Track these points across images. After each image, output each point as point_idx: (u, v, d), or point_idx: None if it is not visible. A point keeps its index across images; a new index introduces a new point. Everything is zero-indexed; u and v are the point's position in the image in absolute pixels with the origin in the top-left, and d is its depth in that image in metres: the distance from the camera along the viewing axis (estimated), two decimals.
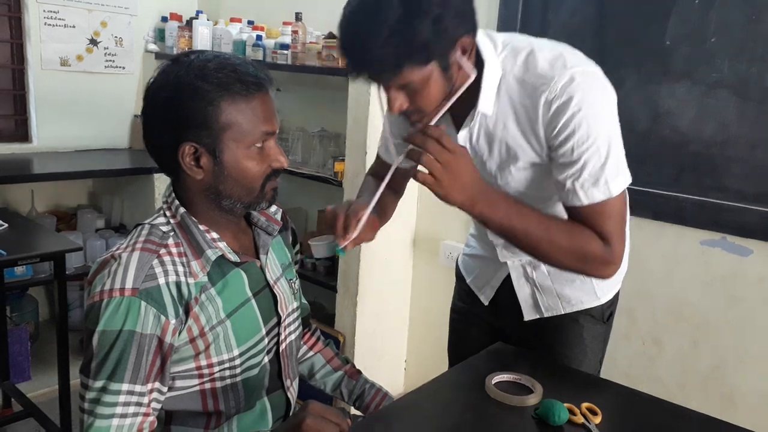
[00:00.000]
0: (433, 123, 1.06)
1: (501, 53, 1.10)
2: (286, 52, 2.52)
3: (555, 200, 1.16)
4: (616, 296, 1.35)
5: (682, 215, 1.86)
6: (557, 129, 1.05)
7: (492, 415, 1.07)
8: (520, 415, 1.06)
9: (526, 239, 1.10)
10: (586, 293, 1.29)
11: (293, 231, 1.27)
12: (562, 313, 1.30)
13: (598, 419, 1.05)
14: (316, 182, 2.48)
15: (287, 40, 2.54)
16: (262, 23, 2.77)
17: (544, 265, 1.27)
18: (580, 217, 1.10)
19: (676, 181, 1.86)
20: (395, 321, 2.59)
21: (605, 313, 1.33)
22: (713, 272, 1.83)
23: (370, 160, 2.24)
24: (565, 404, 1.05)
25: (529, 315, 1.32)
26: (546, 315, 1.30)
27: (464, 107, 1.11)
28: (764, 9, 1.68)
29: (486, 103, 1.10)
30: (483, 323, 1.43)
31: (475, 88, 1.08)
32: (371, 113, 2.20)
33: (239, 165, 0.99)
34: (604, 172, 1.06)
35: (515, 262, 1.30)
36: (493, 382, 1.13)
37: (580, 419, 1.04)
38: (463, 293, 1.47)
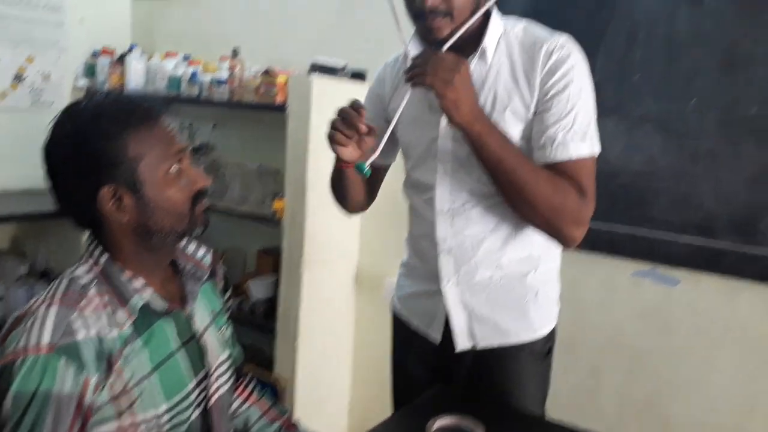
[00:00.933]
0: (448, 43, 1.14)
1: (503, 18, 1.22)
2: (223, 87, 2.48)
3: None
4: (554, 331, 1.35)
5: (615, 246, 1.91)
6: (556, 75, 1.14)
7: None
8: None
9: (514, 176, 1.12)
10: (523, 327, 1.28)
11: (225, 276, 1.23)
12: (497, 344, 1.28)
13: None
14: (255, 221, 2.43)
15: (224, 75, 2.50)
16: (198, 58, 2.73)
17: (484, 292, 1.26)
18: (563, 172, 1.14)
19: (608, 212, 1.91)
20: (338, 363, 2.53)
21: (544, 349, 1.33)
22: (646, 302, 1.88)
23: (311, 197, 2.22)
24: None
25: (462, 343, 1.29)
26: (480, 345, 1.28)
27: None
28: (681, 48, 1.77)
29: (490, 41, 1.18)
30: (425, 366, 1.39)
31: (475, 40, 1.18)
32: (311, 150, 2.19)
33: (162, 194, 0.97)
34: (590, 128, 1.16)
35: (452, 288, 1.28)
36: (435, 427, 1.11)
37: None
38: (404, 338, 1.43)
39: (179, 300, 1.07)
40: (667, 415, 1.86)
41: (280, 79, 2.25)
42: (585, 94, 1.16)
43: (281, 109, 2.24)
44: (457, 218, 1.25)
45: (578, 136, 1.14)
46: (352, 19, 2.43)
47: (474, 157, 1.15)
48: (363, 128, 1.12)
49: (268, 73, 2.28)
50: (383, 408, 1.38)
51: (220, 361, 1.10)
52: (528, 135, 1.18)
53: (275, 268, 2.45)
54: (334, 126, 1.16)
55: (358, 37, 2.40)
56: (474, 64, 1.18)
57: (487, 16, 1.18)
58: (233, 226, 2.69)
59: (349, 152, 1.17)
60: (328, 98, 2.21)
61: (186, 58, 2.78)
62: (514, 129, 1.18)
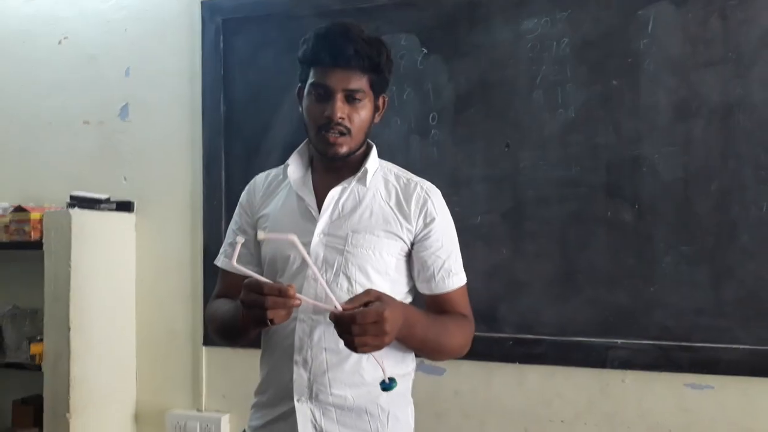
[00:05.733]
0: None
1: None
2: None
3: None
4: None
5: None
6: (439, 217, 1.30)
7: None
8: None
9: (436, 343, 1.25)
10: None
11: None
12: None
13: None
14: (10, 369, 2.16)
15: None
16: None
17: (334, 411, 1.23)
18: (452, 302, 1.32)
19: None
20: None
21: None
22: (419, 393, 2.03)
23: (75, 338, 2.06)
24: None
25: None
26: None
27: (332, 180, 1.30)
28: (417, 173, 2.05)
29: (371, 167, 1.31)
30: None
31: (356, 166, 1.31)
32: (73, 287, 2.06)
33: None
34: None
35: (303, 406, 1.23)
36: None
37: None
38: None
39: None
40: None
41: (34, 216, 2.11)
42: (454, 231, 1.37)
43: (37, 246, 2.09)
44: (316, 329, 1.22)
45: (460, 266, 1.34)
46: (113, 153, 2.41)
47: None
48: (296, 302, 1.06)
49: (18, 210, 2.13)
50: None
51: None
52: (398, 254, 1.28)
53: (37, 419, 2.18)
54: (259, 304, 1.05)
55: (121, 169, 2.39)
56: (353, 184, 1.30)
57: (368, 150, 1.34)
58: None
59: (282, 315, 1.08)
60: (91, 231, 2.14)
61: None
62: (385, 245, 1.26)
